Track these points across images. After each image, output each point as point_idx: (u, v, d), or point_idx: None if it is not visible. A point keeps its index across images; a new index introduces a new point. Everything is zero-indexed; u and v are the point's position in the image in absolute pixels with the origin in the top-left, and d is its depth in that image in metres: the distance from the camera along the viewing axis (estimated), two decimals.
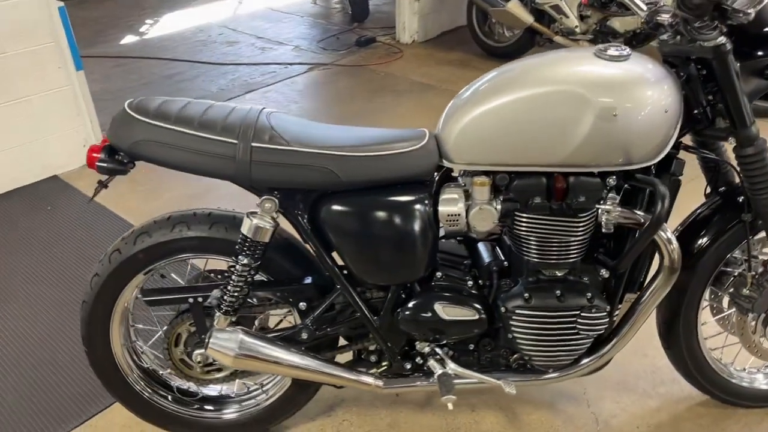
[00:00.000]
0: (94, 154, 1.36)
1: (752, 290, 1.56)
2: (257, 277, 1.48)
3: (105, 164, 1.35)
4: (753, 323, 1.62)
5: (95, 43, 5.34)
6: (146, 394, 1.63)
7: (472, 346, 1.55)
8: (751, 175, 1.42)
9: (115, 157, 1.38)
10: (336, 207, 1.39)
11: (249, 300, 1.50)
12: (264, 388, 1.71)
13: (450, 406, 1.46)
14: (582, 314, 1.42)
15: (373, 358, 1.57)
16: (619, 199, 1.37)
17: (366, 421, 1.76)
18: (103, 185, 1.41)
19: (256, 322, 1.58)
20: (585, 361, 1.53)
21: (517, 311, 1.44)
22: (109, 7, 6.55)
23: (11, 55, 2.87)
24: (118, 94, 4.29)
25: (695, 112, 1.41)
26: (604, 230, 1.38)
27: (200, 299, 1.48)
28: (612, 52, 1.33)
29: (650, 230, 1.33)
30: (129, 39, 5.47)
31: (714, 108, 1.40)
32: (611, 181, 1.37)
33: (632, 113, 1.29)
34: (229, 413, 1.70)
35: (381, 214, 1.40)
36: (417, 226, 1.40)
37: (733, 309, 1.63)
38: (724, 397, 1.74)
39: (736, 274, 1.58)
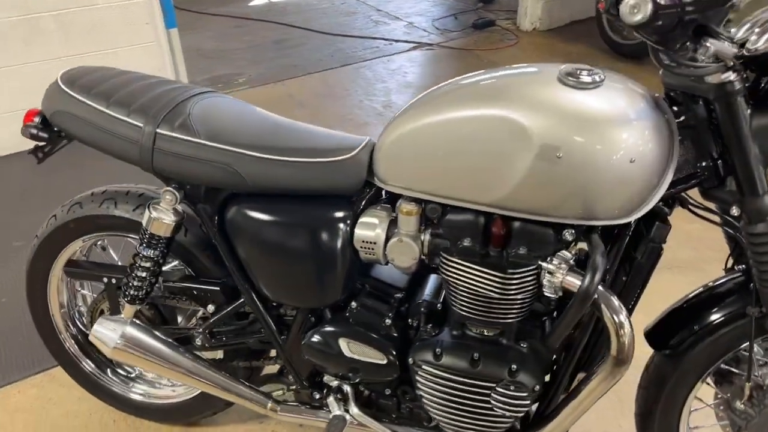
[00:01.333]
0: (29, 119, 1.34)
1: (748, 406, 1.18)
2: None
3: (31, 130, 1.32)
4: None
5: (227, 2, 5.56)
6: (74, 355, 1.62)
7: (389, 391, 1.34)
8: (761, 261, 1.05)
9: (48, 127, 1.34)
10: (243, 211, 1.24)
11: (167, 293, 1.42)
12: (173, 386, 1.64)
13: None
14: (498, 388, 1.16)
15: (285, 380, 1.42)
16: (573, 260, 1.09)
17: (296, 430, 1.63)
18: (38, 152, 1.38)
19: (181, 319, 1.50)
20: None
21: (424, 366, 1.20)
22: None
23: (102, 7, 3.02)
24: (226, 54, 4.42)
25: (701, 164, 1.07)
26: (546, 294, 1.10)
27: (114, 281, 1.42)
28: (582, 76, 1.03)
29: (576, 306, 1.03)
30: (258, 1, 5.63)
31: (727, 163, 1.05)
32: (567, 236, 1.08)
33: (582, 157, 0.99)
34: (136, 394, 1.65)
35: (291, 226, 1.22)
36: (330, 246, 1.20)
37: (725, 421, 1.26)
38: None
39: (734, 379, 1.21)
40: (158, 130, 1.21)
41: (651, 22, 0.87)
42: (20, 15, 2.87)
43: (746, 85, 0.97)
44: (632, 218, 1.04)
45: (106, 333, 1.34)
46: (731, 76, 0.95)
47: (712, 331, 1.17)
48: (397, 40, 4.55)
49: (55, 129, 1.33)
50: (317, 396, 1.38)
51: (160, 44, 3.25)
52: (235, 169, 1.19)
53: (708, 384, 1.27)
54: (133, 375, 1.67)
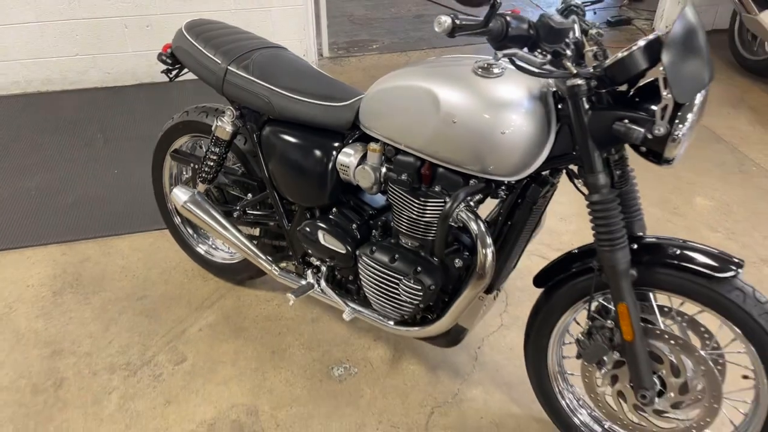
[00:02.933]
0: (164, 50, 2.00)
1: (585, 336, 1.51)
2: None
3: (162, 57, 1.99)
4: (600, 376, 1.57)
5: None
6: (172, 214, 2.30)
7: (351, 278, 1.85)
8: (594, 224, 1.39)
9: (173, 57, 2.00)
10: (271, 130, 1.80)
11: (226, 180, 2.05)
12: (227, 251, 2.30)
13: (290, 303, 1.88)
14: (404, 281, 1.61)
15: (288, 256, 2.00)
16: (473, 201, 1.51)
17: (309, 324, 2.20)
18: (168, 73, 2.04)
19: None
20: (415, 328, 1.72)
21: (362, 257, 1.69)
22: None
23: None
24: (371, 22, 5.00)
25: (575, 147, 1.42)
26: (450, 223, 1.54)
27: (197, 167, 2.07)
28: (490, 68, 1.43)
29: (440, 223, 1.47)
30: None
31: None
32: (473, 183, 1.50)
33: (469, 125, 1.40)
34: (202, 251, 2.29)
35: (299, 146, 1.75)
36: (322, 164, 1.72)
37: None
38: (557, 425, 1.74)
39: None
40: (229, 67, 1.80)
41: (451, 35, 1.21)
42: None
43: (591, 89, 1.31)
44: (514, 178, 1.43)
45: (179, 195, 2.00)
46: (577, 81, 1.30)
47: (571, 278, 1.53)
48: None
49: (177, 59, 1.99)
50: (307, 271, 1.94)
51: (307, 8, 3.92)
52: (269, 101, 1.75)
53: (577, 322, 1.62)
54: (202, 236, 2.34)
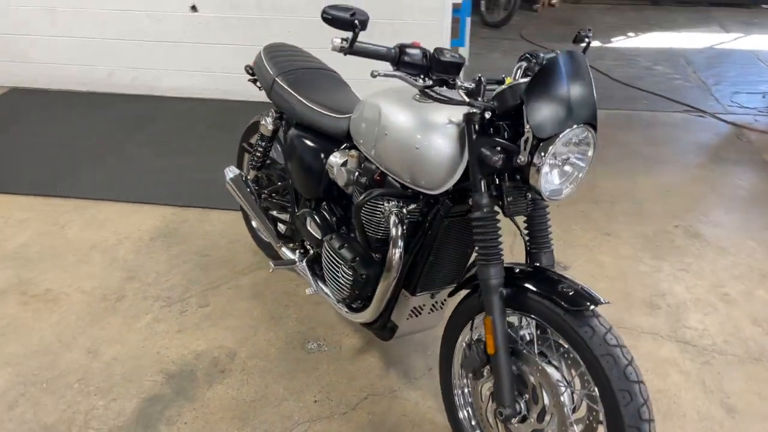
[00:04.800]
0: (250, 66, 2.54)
1: (466, 347, 1.60)
2: None
3: (246, 70, 2.52)
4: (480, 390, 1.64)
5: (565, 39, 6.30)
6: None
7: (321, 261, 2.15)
8: (477, 239, 1.52)
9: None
10: (293, 130, 2.19)
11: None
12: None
13: (270, 270, 2.29)
14: (343, 266, 1.86)
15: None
16: (406, 209, 1.73)
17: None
18: (254, 82, 2.57)
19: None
20: (353, 313, 1.96)
21: (324, 242, 1.97)
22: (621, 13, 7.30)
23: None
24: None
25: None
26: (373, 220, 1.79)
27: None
28: (422, 99, 1.65)
29: (355, 211, 1.75)
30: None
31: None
32: (409, 192, 1.74)
33: (395, 138, 1.64)
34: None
35: (305, 146, 2.11)
36: (317, 163, 2.05)
37: None
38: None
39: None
40: (276, 78, 2.25)
41: (346, 54, 1.43)
42: None
43: (483, 117, 1.47)
44: (432, 192, 1.64)
45: (228, 174, 2.49)
46: (471, 109, 1.48)
47: (472, 292, 1.66)
48: (706, 113, 4.60)
49: (254, 71, 2.51)
50: (297, 250, 2.29)
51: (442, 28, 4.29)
52: (294, 107, 2.15)
53: None
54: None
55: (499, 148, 1.44)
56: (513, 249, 2.83)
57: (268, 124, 2.33)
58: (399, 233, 1.70)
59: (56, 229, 3.00)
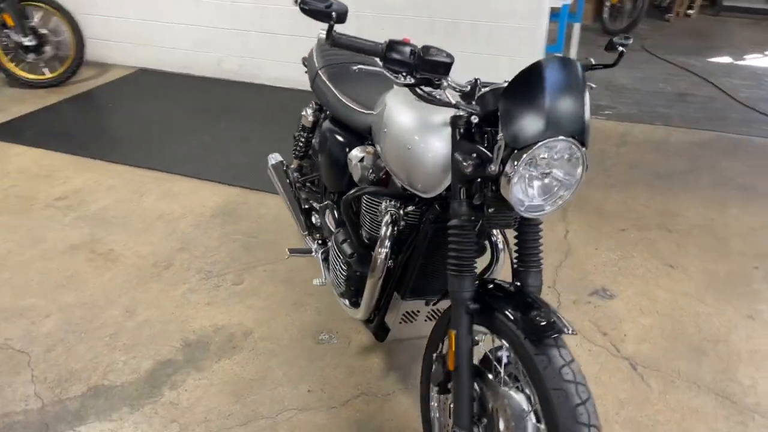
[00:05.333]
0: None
1: (435, 360, 1.53)
2: None
3: (303, 60, 2.58)
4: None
5: (694, 53, 5.78)
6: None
7: None
8: (451, 248, 1.45)
9: None
10: (326, 123, 2.21)
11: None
12: None
13: (286, 257, 2.32)
14: (340, 261, 1.86)
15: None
16: (402, 210, 1.70)
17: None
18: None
19: None
20: (349, 308, 1.96)
21: (332, 235, 1.98)
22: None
23: (506, 26, 4.10)
24: (623, 91, 4.87)
25: None
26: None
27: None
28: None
29: (344, 205, 1.74)
30: (719, 59, 5.64)
31: None
32: (401, 193, 1.71)
33: (391, 136, 1.62)
34: None
35: (333, 139, 2.12)
36: (341, 156, 2.06)
37: None
38: None
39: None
40: (319, 71, 2.29)
41: (331, 46, 1.40)
42: (450, 19, 4.23)
43: (469, 121, 1.40)
44: (425, 195, 1.59)
45: (270, 160, 2.56)
46: (458, 112, 1.41)
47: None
48: None
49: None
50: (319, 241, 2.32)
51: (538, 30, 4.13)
52: (329, 100, 2.18)
53: None
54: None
55: (475, 155, 1.37)
56: (559, 271, 2.67)
57: (308, 115, 2.38)
58: (388, 233, 1.67)
59: (135, 197, 3.28)
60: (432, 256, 1.71)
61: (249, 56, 4.98)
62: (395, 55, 1.43)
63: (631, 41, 1.63)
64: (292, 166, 2.60)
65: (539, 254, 1.52)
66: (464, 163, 1.35)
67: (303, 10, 1.40)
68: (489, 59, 4.20)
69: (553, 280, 2.60)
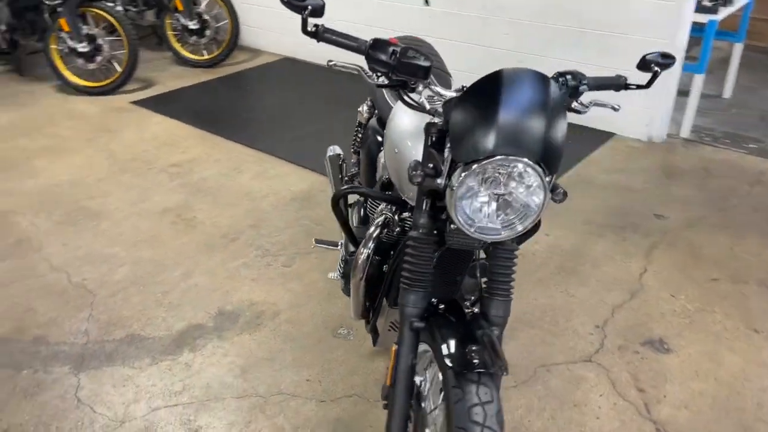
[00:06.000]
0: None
1: None
2: None
3: None
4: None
5: None
6: None
7: None
8: (404, 258, 1.38)
9: None
10: (371, 121, 2.21)
11: None
12: None
13: (312, 246, 2.32)
14: (343, 258, 1.85)
15: None
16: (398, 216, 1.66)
17: None
18: None
19: None
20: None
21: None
22: None
23: (632, 38, 3.72)
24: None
25: None
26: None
27: None
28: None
29: (332, 203, 1.70)
30: None
31: None
32: (379, 194, 1.69)
33: (389, 139, 1.58)
34: None
35: (370, 136, 2.11)
36: (375, 154, 2.06)
37: None
38: None
39: None
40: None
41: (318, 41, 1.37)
42: (575, 27, 3.95)
43: (441, 129, 1.31)
44: (412, 203, 1.54)
45: (329, 151, 2.60)
46: (433, 119, 1.34)
47: None
48: None
49: None
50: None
51: (667, 86, 3.72)
52: (376, 98, 2.17)
53: None
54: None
55: (431, 165, 1.30)
56: (616, 312, 2.41)
57: (363, 111, 2.39)
58: (374, 234, 1.63)
59: (234, 173, 3.54)
60: None
61: None
62: (378, 55, 1.39)
63: (673, 61, 1.43)
64: (352, 160, 2.63)
65: (509, 282, 1.39)
66: (414, 172, 1.29)
67: (282, 2, 1.42)
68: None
69: (605, 320, 2.35)
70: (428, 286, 1.39)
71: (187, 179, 3.46)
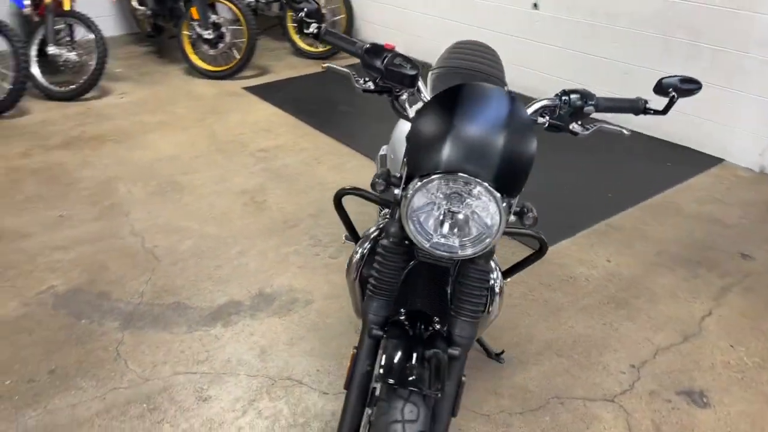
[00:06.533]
0: None
1: None
2: None
3: None
4: None
5: None
6: None
7: None
8: (373, 265, 1.37)
9: None
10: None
11: None
12: None
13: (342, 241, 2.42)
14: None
15: None
16: None
17: None
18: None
19: None
20: None
21: None
22: None
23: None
24: None
25: None
26: None
27: None
28: None
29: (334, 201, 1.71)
30: None
31: None
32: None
33: (389, 146, 1.58)
34: None
35: (401, 136, 2.11)
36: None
37: None
38: None
39: None
40: (431, 70, 2.27)
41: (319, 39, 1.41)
42: (689, 40, 3.60)
43: None
44: None
45: (381, 150, 2.62)
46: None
47: None
48: None
49: None
50: None
51: None
52: None
53: None
54: None
55: (399, 175, 1.29)
56: (660, 354, 2.21)
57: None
58: (371, 235, 1.64)
59: (314, 163, 3.68)
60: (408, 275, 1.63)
61: None
62: (370, 59, 1.41)
63: (696, 88, 1.30)
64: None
65: (476, 303, 1.36)
66: (377, 180, 1.28)
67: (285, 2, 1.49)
68: (731, 97, 3.49)
69: (643, 361, 2.16)
70: (392, 296, 1.38)
71: (270, 164, 3.65)
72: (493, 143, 1.14)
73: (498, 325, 2.33)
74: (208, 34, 5.02)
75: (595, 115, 1.41)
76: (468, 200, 1.18)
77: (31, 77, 4.52)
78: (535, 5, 4.41)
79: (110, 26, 6.01)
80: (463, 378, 1.43)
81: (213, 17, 5.05)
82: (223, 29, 5.07)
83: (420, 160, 1.17)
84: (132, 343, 2.27)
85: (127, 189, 3.37)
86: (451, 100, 1.18)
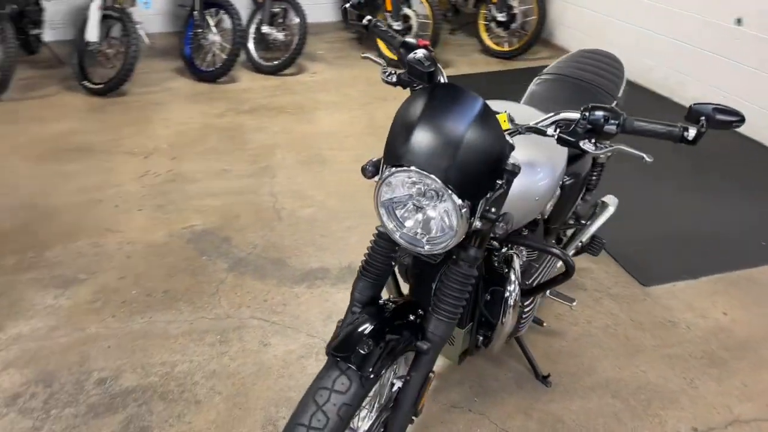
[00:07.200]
0: None
1: None
2: None
3: None
4: None
5: None
6: None
7: None
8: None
9: None
10: None
11: None
12: None
13: None
14: None
15: None
16: None
17: None
18: None
19: None
20: None
21: None
22: None
23: None
24: None
25: None
26: None
27: None
28: None
29: None
30: None
31: None
32: None
33: None
34: None
35: None
36: None
37: None
38: None
39: None
40: (539, 75, 2.20)
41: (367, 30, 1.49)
42: None
43: None
44: None
45: None
46: None
47: None
48: None
49: None
50: None
51: None
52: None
53: None
54: None
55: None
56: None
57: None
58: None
59: None
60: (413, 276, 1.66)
61: (676, 69, 4.54)
62: (403, 54, 1.47)
63: (735, 121, 1.17)
64: None
65: (454, 304, 1.38)
66: (366, 168, 1.35)
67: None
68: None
69: (711, 428, 1.88)
70: (379, 278, 1.44)
71: None
72: (450, 143, 1.14)
73: (560, 349, 2.20)
74: (397, 26, 5.30)
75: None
76: (437, 201, 1.19)
77: (248, 51, 5.24)
78: (739, 21, 3.88)
79: (326, 13, 6.63)
80: (431, 375, 1.45)
81: (405, 10, 5.31)
82: (411, 21, 5.31)
83: (387, 151, 1.22)
84: (231, 284, 2.61)
85: (282, 155, 3.79)
86: (422, 98, 1.20)
